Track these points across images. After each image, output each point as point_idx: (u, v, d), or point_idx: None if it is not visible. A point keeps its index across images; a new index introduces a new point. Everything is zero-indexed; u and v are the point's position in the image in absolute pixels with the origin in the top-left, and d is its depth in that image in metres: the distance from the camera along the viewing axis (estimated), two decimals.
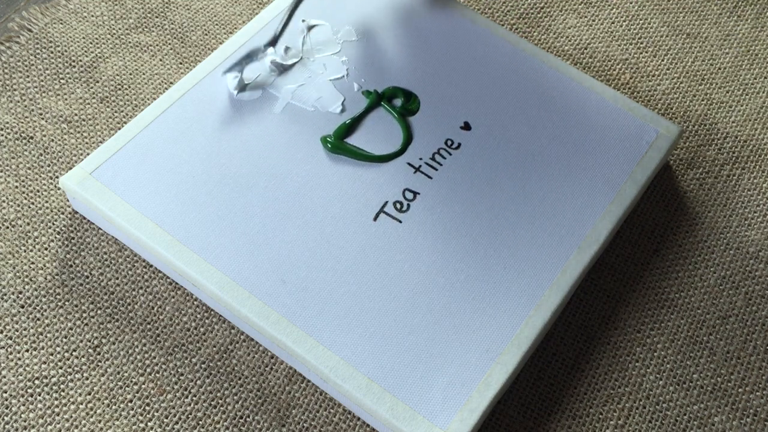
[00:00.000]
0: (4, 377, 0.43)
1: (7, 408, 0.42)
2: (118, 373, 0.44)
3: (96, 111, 0.53)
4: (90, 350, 0.44)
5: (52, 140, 0.51)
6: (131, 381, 0.43)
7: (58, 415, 0.42)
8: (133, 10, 0.57)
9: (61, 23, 0.56)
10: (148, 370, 0.44)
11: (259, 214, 0.46)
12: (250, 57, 0.51)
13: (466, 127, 0.51)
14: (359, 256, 0.45)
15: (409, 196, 0.48)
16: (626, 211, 0.49)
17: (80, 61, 0.55)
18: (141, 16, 0.57)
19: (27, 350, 0.44)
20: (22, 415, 0.42)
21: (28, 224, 0.48)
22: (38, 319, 0.45)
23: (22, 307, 0.45)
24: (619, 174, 0.50)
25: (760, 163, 0.55)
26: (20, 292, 0.46)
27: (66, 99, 0.53)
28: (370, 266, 0.45)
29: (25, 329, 0.45)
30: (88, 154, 0.51)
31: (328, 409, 0.44)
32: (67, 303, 0.45)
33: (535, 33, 0.60)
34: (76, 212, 0.49)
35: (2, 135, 0.51)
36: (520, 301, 0.45)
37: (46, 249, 0.47)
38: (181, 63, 0.55)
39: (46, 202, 0.49)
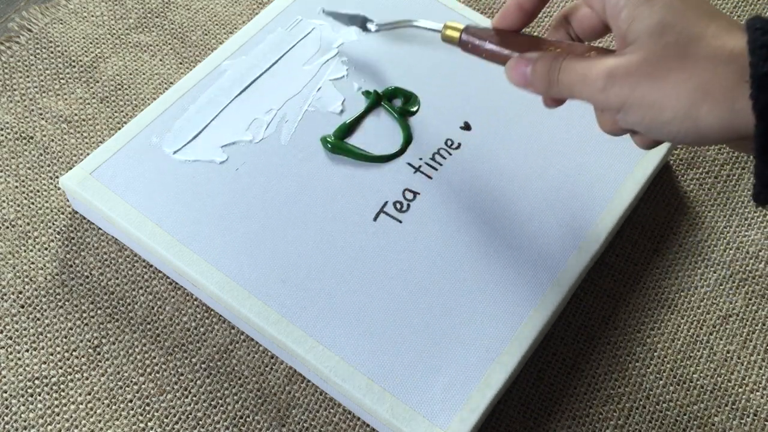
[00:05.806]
0: (4, 377, 0.43)
1: (7, 408, 0.42)
2: (118, 373, 0.44)
3: (96, 111, 0.53)
4: (90, 350, 0.44)
5: (52, 140, 0.51)
6: (131, 381, 0.43)
7: (58, 415, 0.42)
8: (133, 10, 0.57)
9: (61, 23, 0.56)
10: (148, 370, 0.44)
11: (259, 214, 0.46)
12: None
13: (466, 127, 0.51)
14: (359, 256, 0.45)
15: (409, 196, 0.48)
16: (626, 211, 0.49)
17: (80, 61, 0.55)
18: (141, 16, 0.57)
19: (27, 350, 0.44)
20: (22, 415, 0.42)
21: (28, 224, 0.48)
22: (38, 319, 0.45)
23: (22, 307, 0.45)
24: (619, 174, 0.50)
25: None
26: (20, 292, 0.46)
27: (66, 99, 0.53)
28: (370, 266, 0.45)
29: (25, 329, 0.45)
30: (88, 154, 0.51)
31: (328, 409, 0.44)
32: (67, 303, 0.45)
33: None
34: (76, 212, 0.49)
35: (2, 135, 0.51)
36: (520, 301, 0.45)
37: (46, 249, 0.47)
38: (181, 63, 0.55)
39: (46, 202, 0.49)
